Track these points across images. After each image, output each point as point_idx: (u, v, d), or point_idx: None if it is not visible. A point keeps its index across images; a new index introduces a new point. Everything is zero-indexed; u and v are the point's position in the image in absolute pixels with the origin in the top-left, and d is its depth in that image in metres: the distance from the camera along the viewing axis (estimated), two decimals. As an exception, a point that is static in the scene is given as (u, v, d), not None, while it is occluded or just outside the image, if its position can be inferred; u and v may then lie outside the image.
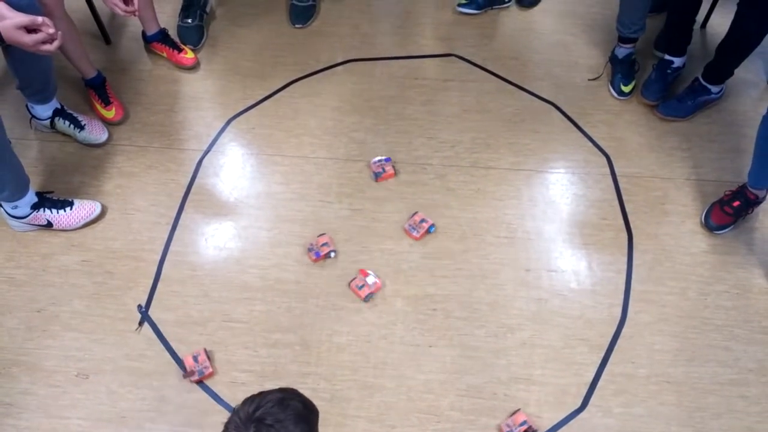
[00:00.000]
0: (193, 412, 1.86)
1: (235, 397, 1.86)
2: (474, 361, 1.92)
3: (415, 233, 2.11)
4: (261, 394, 1.20)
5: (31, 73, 2.16)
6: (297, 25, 2.72)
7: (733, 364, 1.91)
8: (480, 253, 2.12)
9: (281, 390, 1.23)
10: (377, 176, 2.26)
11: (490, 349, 1.94)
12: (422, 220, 2.13)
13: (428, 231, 2.13)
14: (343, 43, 2.68)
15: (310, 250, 2.10)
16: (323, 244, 2.10)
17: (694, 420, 1.83)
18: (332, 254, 2.10)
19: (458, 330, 1.98)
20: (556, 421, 1.83)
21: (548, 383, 1.89)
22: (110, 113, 2.39)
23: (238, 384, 1.90)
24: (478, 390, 1.88)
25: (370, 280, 2.04)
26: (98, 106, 2.40)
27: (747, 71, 2.48)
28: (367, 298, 2.02)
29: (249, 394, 1.83)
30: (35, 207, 2.11)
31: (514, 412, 1.83)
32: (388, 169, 2.27)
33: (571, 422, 1.83)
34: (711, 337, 1.96)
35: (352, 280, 2.05)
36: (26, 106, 2.31)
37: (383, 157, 2.30)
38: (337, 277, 2.08)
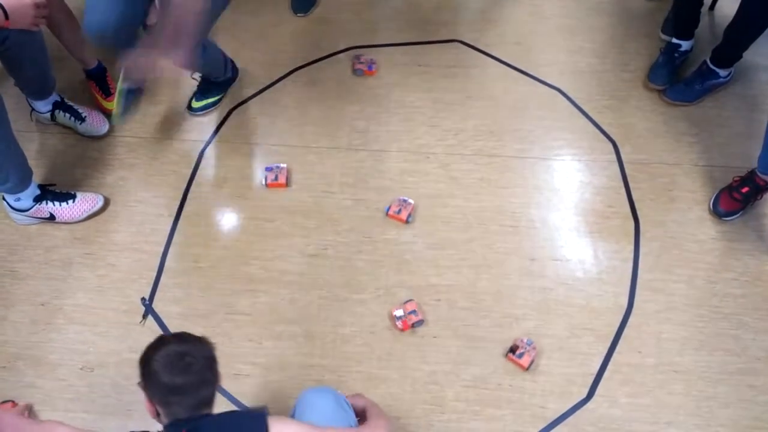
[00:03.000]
0: (198, 405, 1.85)
1: (240, 389, 1.86)
2: (479, 352, 1.91)
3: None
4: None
5: (28, 75, 2.15)
6: (299, 14, 2.69)
7: (741, 353, 1.89)
8: (484, 242, 2.10)
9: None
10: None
11: (495, 340, 1.93)
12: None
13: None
14: (344, 31, 2.65)
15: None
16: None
17: (702, 410, 1.81)
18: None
19: (463, 320, 1.96)
20: (561, 412, 1.82)
21: (554, 373, 1.87)
22: (111, 104, 2.37)
23: (243, 376, 1.89)
24: (483, 381, 1.87)
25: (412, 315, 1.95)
26: (99, 97, 2.39)
27: (756, 54, 2.43)
28: (416, 325, 1.95)
29: (254, 386, 1.83)
30: (38, 200, 2.10)
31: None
32: None
33: (577, 412, 1.82)
34: (719, 325, 1.94)
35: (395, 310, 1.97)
36: (26, 98, 2.29)
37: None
38: (340, 269, 2.06)
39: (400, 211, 2.13)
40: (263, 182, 2.23)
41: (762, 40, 2.21)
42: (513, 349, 1.89)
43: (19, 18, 1.72)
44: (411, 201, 2.15)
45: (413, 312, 1.95)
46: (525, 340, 1.89)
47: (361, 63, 2.48)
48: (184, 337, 1.29)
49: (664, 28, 2.53)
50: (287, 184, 2.24)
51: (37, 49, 2.06)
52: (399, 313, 1.95)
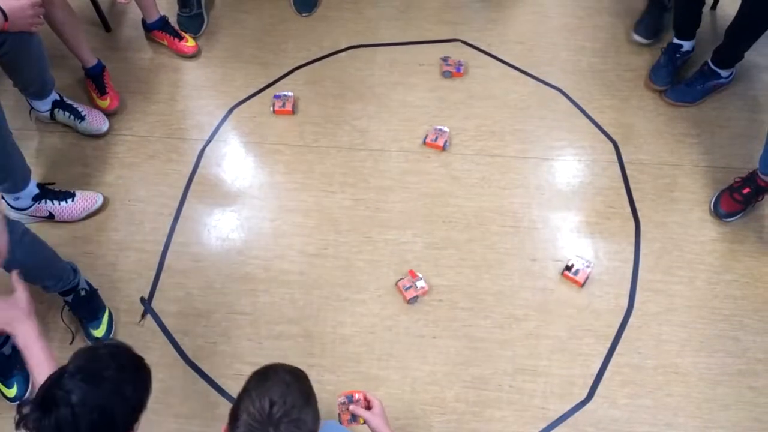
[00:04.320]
0: (198, 404, 1.86)
1: (240, 389, 1.85)
2: (479, 353, 1.91)
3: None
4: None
5: (27, 76, 2.14)
6: (303, 14, 2.67)
7: (741, 355, 1.89)
8: (485, 242, 2.10)
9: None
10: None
11: (496, 340, 1.93)
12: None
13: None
14: (346, 29, 2.64)
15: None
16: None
17: (702, 411, 1.81)
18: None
19: (463, 321, 1.96)
20: (562, 412, 1.82)
21: (554, 374, 1.87)
22: (105, 103, 2.37)
23: (243, 376, 1.85)
24: (484, 381, 1.87)
25: (420, 283, 1.99)
26: (94, 95, 2.38)
27: (757, 54, 2.43)
28: (412, 301, 1.98)
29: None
30: (37, 199, 2.09)
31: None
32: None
33: (578, 413, 1.82)
34: (719, 327, 1.94)
35: (399, 280, 2.01)
36: (26, 97, 2.28)
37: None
38: (340, 268, 2.06)
39: (437, 138, 2.27)
40: (271, 110, 2.38)
41: (763, 40, 2.21)
42: (569, 267, 1.99)
43: (17, 20, 1.73)
44: (446, 129, 2.28)
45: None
46: (581, 258, 2.01)
47: (449, 65, 2.45)
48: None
49: (636, 28, 2.53)
50: (293, 111, 2.37)
51: (35, 51, 2.05)
52: (421, 283, 1.99)
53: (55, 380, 1.09)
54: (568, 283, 2.02)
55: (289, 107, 2.37)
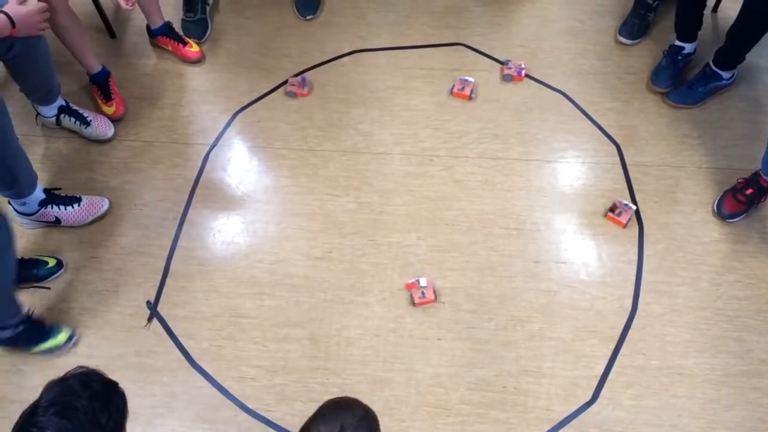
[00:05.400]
0: (203, 408, 1.86)
1: (245, 392, 1.87)
2: (483, 354, 1.92)
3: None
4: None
5: (34, 81, 2.16)
6: (307, 17, 2.69)
7: (745, 355, 1.89)
8: (488, 245, 2.10)
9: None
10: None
11: (500, 342, 1.93)
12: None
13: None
14: (348, 34, 2.65)
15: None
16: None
17: (707, 412, 1.81)
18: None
19: (467, 323, 1.97)
20: (566, 414, 1.82)
21: (558, 376, 1.88)
22: (110, 109, 2.39)
23: (248, 379, 1.90)
24: (488, 383, 1.87)
25: (428, 292, 2.00)
26: (99, 102, 2.40)
27: (759, 56, 2.43)
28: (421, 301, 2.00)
29: (259, 389, 1.84)
30: (43, 204, 2.11)
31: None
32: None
33: (582, 415, 1.82)
34: (723, 327, 1.94)
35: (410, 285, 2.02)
36: (32, 103, 2.30)
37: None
38: (344, 271, 2.07)
39: (463, 88, 2.40)
40: (290, 92, 2.46)
41: (765, 42, 2.21)
42: (612, 209, 2.10)
43: (25, 26, 1.75)
44: (472, 79, 2.42)
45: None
46: (623, 201, 2.11)
47: (510, 68, 2.48)
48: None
49: (620, 30, 2.56)
50: (309, 93, 2.47)
51: (42, 56, 2.07)
52: (423, 282, 2.00)
53: (28, 416, 1.08)
54: (611, 225, 2.12)
55: (306, 91, 2.45)
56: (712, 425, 1.79)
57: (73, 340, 1.96)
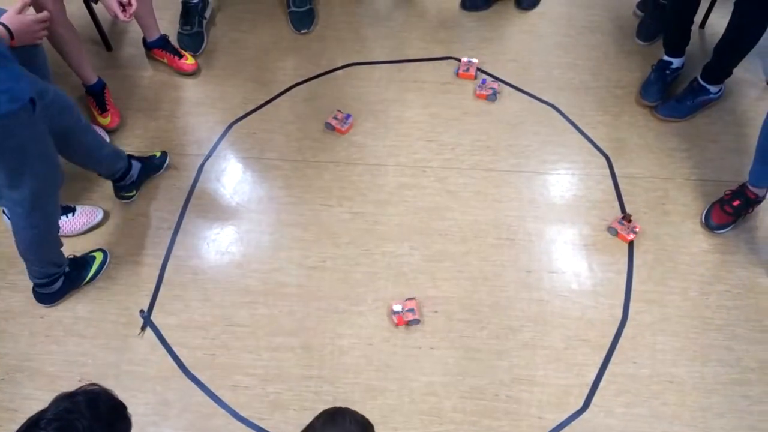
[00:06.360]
0: (196, 416, 1.86)
1: (238, 401, 1.87)
2: (476, 363, 1.93)
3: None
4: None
5: None
6: (302, 31, 2.72)
7: (735, 364, 1.91)
8: (481, 255, 2.13)
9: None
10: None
11: (492, 351, 1.95)
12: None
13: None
14: (342, 48, 2.69)
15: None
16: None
17: (697, 420, 1.83)
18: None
19: (460, 332, 1.98)
20: (558, 422, 1.83)
21: (550, 384, 1.89)
22: (105, 120, 2.40)
23: (241, 388, 1.90)
24: (481, 392, 1.88)
25: (410, 306, 2.00)
26: (95, 113, 2.42)
27: (746, 71, 2.48)
28: (412, 323, 1.99)
29: (252, 397, 1.84)
30: (37, 213, 2.12)
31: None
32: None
33: (574, 423, 1.83)
34: (712, 336, 1.96)
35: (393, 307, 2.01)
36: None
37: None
38: (338, 281, 2.08)
39: (468, 69, 2.52)
40: (327, 125, 2.44)
41: (751, 56, 2.27)
42: (626, 218, 2.15)
43: (23, 36, 1.77)
44: (475, 60, 2.54)
45: (411, 310, 1.98)
46: (621, 218, 2.15)
47: (483, 90, 2.53)
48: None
49: (638, 33, 2.64)
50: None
51: (40, 68, 2.09)
52: (397, 308, 1.99)
53: (31, 425, 1.09)
54: (602, 235, 2.16)
55: (345, 128, 2.41)
56: (703, 433, 1.81)
57: (109, 256, 2.13)
